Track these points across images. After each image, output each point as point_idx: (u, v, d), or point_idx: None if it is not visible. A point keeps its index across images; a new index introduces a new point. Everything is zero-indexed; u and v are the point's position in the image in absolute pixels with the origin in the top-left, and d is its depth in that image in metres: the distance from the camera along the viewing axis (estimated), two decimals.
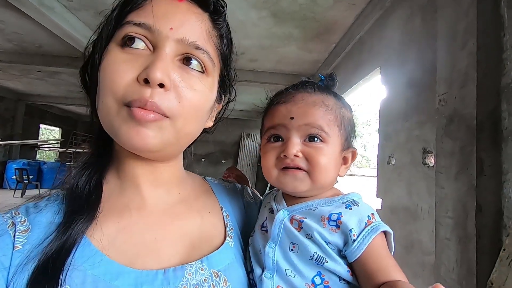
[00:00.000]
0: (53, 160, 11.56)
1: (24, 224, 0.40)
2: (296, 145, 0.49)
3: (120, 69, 0.40)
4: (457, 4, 1.58)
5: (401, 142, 2.32)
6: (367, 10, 2.94)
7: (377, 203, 2.63)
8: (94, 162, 0.47)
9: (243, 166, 9.98)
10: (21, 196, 7.59)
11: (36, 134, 10.85)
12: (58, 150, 11.44)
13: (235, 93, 0.57)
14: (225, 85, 0.52)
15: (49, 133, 14.10)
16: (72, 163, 10.08)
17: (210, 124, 0.52)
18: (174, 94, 0.41)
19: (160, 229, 0.46)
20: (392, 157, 2.45)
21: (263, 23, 3.41)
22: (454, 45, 1.59)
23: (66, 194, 0.45)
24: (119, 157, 0.48)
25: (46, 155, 14.01)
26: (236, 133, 10.39)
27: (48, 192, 0.47)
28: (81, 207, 0.42)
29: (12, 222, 0.40)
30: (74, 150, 9.66)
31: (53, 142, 11.62)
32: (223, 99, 0.54)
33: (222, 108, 0.56)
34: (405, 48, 2.36)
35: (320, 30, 3.52)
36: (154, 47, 0.41)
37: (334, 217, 0.46)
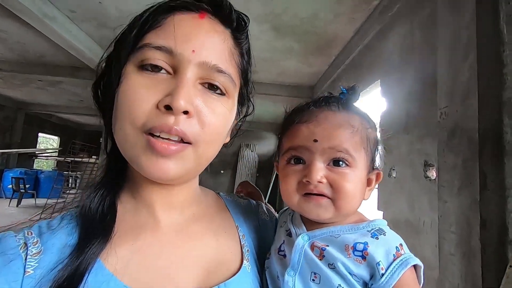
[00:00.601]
0: (51, 169, 11.49)
1: (36, 245, 0.39)
2: (320, 170, 0.46)
3: (140, 97, 0.38)
4: (457, 18, 1.60)
5: (402, 155, 2.31)
6: (366, 25, 2.99)
7: (378, 216, 2.60)
8: (108, 182, 0.46)
9: (242, 176, 9.92)
10: (17, 206, 7.49)
11: (34, 143, 10.82)
12: (56, 159, 11.38)
13: (253, 107, 0.55)
14: (244, 100, 0.51)
15: (47, 141, 14.07)
16: (69, 172, 10.02)
17: (227, 140, 0.51)
18: (196, 120, 0.39)
19: (175, 252, 0.44)
20: (393, 169, 2.44)
21: (265, 36, 3.46)
22: (455, 58, 1.61)
23: (80, 214, 0.43)
24: (134, 179, 0.46)
25: (44, 164, 13.93)
26: (235, 143, 10.25)
27: (62, 210, 0.45)
28: (95, 229, 0.40)
29: (24, 243, 0.38)
30: (72, 159, 9.61)
31: (51, 151, 11.58)
32: (240, 113, 0.53)
33: (239, 122, 0.54)
34: (404, 62, 2.38)
35: (321, 44, 3.57)
36: (175, 70, 0.40)
37: (360, 247, 0.43)
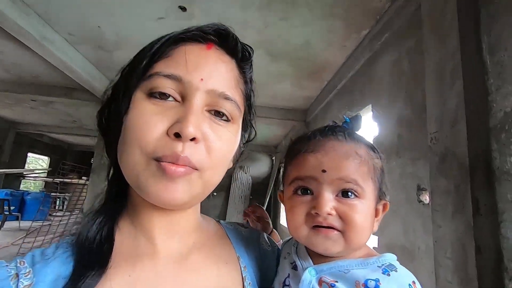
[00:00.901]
0: (38, 190, 11.15)
1: (28, 276, 0.37)
2: (329, 202, 0.45)
3: (149, 123, 0.39)
4: (443, 48, 1.68)
5: (395, 179, 2.32)
6: (357, 52, 3.11)
7: (373, 241, 2.56)
8: (107, 209, 0.45)
9: (235, 198, 9.77)
10: None
11: (23, 163, 10.57)
12: (44, 180, 11.09)
13: (255, 133, 0.56)
14: (247, 126, 0.52)
15: (37, 161, 13.77)
16: (57, 194, 9.73)
17: (231, 165, 0.51)
18: (203, 146, 0.40)
19: (174, 285, 0.43)
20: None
21: (259, 61, 3.56)
22: (442, 86, 1.66)
23: (76, 242, 0.41)
24: (134, 205, 0.45)
25: (31, 185, 13.53)
26: None
27: (58, 238, 0.44)
28: (91, 260, 0.39)
29: (16, 273, 0.37)
30: (62, 180, 9.38)
31: (40, 171, 11.30)
32: (244, 138, 0.53)
33: (242, 147, 0.54)
34: (394, 88, 2.46)
35: (313, 69, 3.68)
36: (183, 98, 0.41)
37: (371, 284, 0.41)
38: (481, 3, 1.56)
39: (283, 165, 0.56)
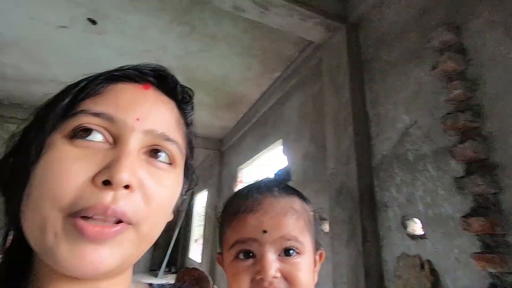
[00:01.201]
0: None
1: None
2: (273, 264, 0.43)
3: (69, 169, 0.30)
4: (338, 98, 2.00)
5: None
6: (270, 91, 3.40)
7: None
8: None
9: None
10: None
11: None
12: None
13: (198, 180, 0.50)
14: (188, 173, 0.46)
15: None
16: None
17: (171, 217, 0.43)
18: (140, 194, 0.33)
19: None
20: None
21: None
22: (338, 129, 1.95)
23: None
24: (40, 278, 0.33)
25: None
26: None
27: None
28: None
29: None
30: None
31: None
32: (185, 187, 0.47)
33: (183, 196, 0.47)
34: (301, 126, 2.76)
35: (230, 101, 3.82)
36: (116, 140, 0.34)
37: None
38: (364, 66, 1.95)
39: (219, 225, 0.53)
